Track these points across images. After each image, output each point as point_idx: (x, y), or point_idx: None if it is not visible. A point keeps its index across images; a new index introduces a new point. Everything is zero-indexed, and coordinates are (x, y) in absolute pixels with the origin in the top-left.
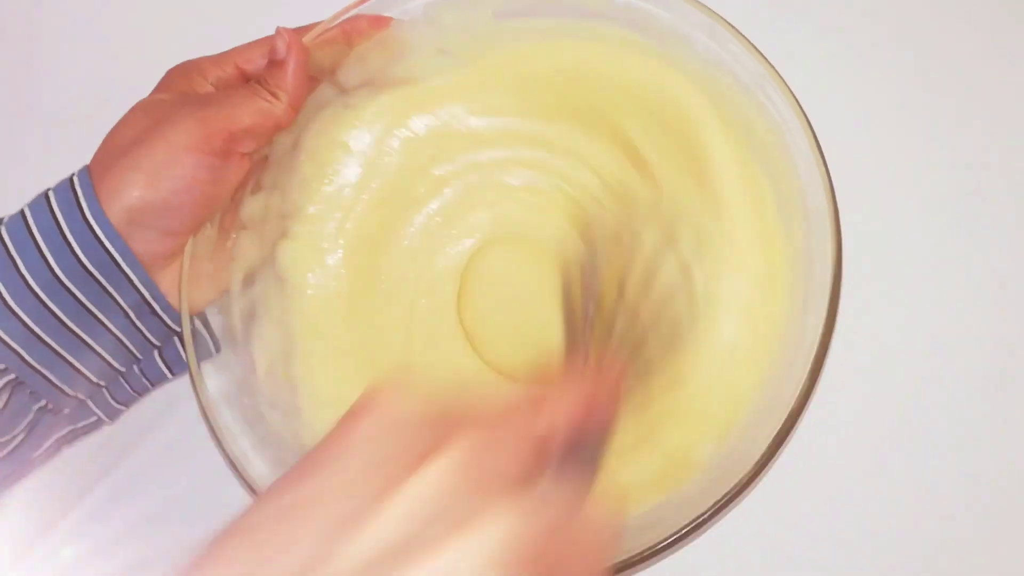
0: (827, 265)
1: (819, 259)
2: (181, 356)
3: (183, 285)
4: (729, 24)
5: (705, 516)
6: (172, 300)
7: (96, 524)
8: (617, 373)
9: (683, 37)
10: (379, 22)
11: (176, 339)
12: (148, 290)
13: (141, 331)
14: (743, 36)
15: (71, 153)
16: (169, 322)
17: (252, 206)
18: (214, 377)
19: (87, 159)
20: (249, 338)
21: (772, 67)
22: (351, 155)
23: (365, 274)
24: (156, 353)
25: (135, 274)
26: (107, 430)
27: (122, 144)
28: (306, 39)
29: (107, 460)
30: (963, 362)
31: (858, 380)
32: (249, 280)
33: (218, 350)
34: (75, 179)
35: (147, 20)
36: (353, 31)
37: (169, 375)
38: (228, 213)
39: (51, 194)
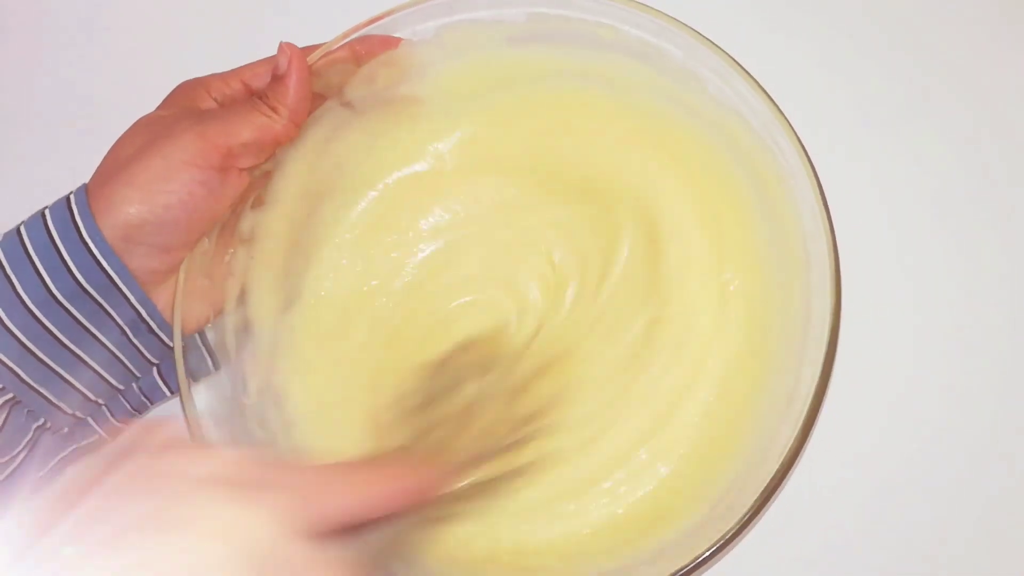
0: (825, 316)
1: (817, 309)
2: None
3: (177, 300)
4: (739, 65)
5: (688, 567)
6: (168, 317)
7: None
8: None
9: (694, 76)
10: (388, 43)
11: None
12: (144, 308)
13: (138, 348)
14: (752, 78)
15: (71, 153)
16: (166, 339)
17: (252, 221)
18: (204, 394)
19: (87, 160)
20: (241, 355)
21: (780, 112)
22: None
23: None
24: (155, 371)
25: (131, 292)
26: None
27: (120, 160)
28: (312, 57)
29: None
30: (966, 411)
31: (854, 433)
32: (244, 296)
33: (217, 367)
34: (71, 197)
35: (148, 20)
36: (362, 50)
37: (167, 393)
38: (227, 228)
39: (47, 212)
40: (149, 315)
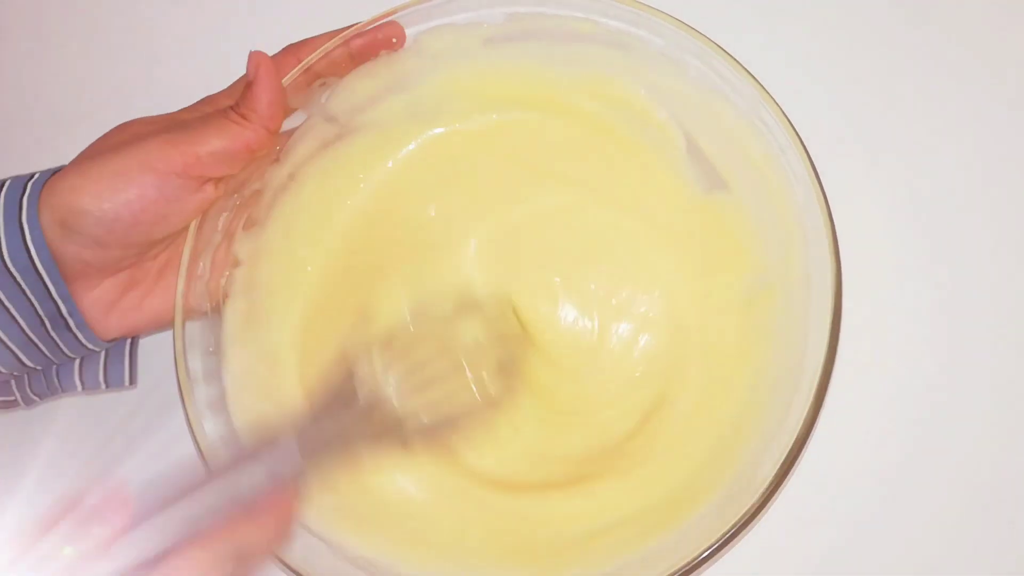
0: (827, 284)
1: (818, 279)
2: (97, 376)
3: (177, 312)
4: (721, 48)
5: (713, 547)
6: (91, 321)
7: (96, 524)
8: None
9: (674, 62)
10: (389, 33)
11: (100, 357)
12: (65, 305)
13: (56, 342)
14: (735, 60)
15: (71, 153)
16: (84, 341)
17: (246, 242)
18: (204, 392)
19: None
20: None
21: (765, 90)
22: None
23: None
24: (76, 364)
25: (54, 285)
26: (107, 433)
27: (90, 152)
28: (307, 60)
29: (105, 461)
30: (971, 378)
31: (864, 401)
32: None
33: (134, 383)
34: (35, 176)
35: (147, 20)
36: (361, 45)
37: (80, 387)
38: (220, 248)
39: (7, 183)
40: (69, 312)
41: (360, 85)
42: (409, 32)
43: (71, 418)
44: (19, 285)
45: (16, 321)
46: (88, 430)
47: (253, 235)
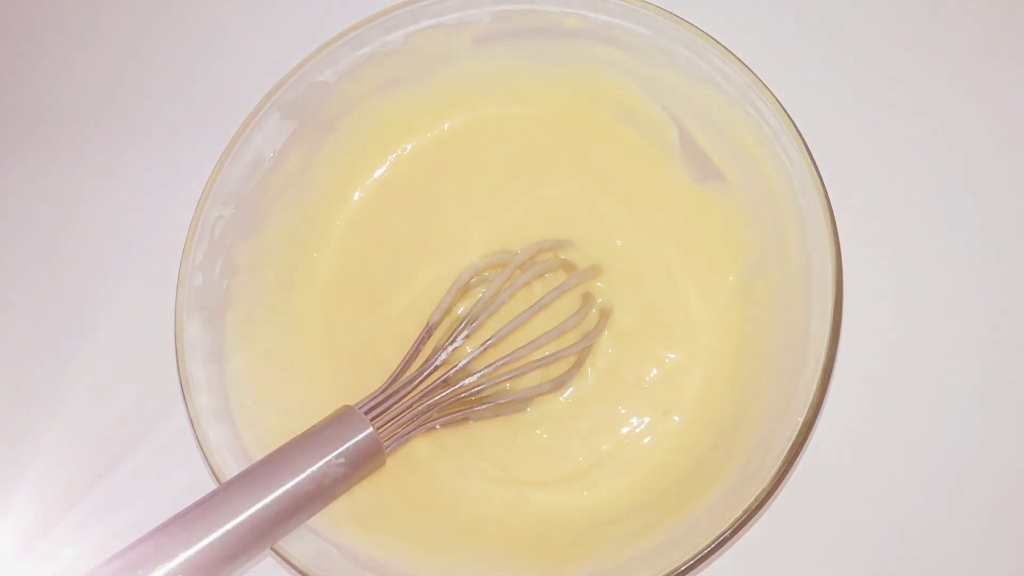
0: (828, 266)
1: (818, 261)
2: None
3: (177, 323)
4: (710, 37)
5: (726, 534)
6: None
7: (96, 524)
8: None
9: (665, 53)
10: None
11: None
12: None
13: None
14: (725, 48)
15: (71, 153)
16: None
17: (247, 250)
18: (205, 393)
19: (87, 159)
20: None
21: (756, 76)
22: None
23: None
24: None
25: None
26: (106, 434)
27: None
28: None
29: (106, 462)
30: (966, 362)
31: (868, 381)
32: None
33: None
34: None
35: (147, 20)
36: None
37: None
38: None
39: None
40: None
41: (352, 89)
42: (399, 34)
43: (72, 418)
44: None
45: None
46: (88, 430)
47: (251, 243)
